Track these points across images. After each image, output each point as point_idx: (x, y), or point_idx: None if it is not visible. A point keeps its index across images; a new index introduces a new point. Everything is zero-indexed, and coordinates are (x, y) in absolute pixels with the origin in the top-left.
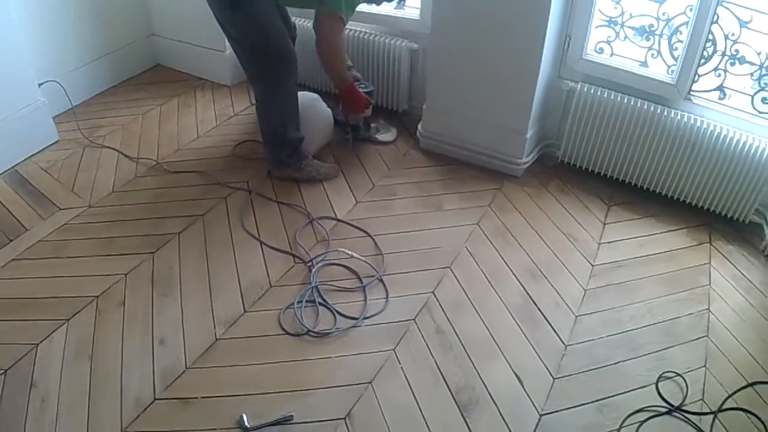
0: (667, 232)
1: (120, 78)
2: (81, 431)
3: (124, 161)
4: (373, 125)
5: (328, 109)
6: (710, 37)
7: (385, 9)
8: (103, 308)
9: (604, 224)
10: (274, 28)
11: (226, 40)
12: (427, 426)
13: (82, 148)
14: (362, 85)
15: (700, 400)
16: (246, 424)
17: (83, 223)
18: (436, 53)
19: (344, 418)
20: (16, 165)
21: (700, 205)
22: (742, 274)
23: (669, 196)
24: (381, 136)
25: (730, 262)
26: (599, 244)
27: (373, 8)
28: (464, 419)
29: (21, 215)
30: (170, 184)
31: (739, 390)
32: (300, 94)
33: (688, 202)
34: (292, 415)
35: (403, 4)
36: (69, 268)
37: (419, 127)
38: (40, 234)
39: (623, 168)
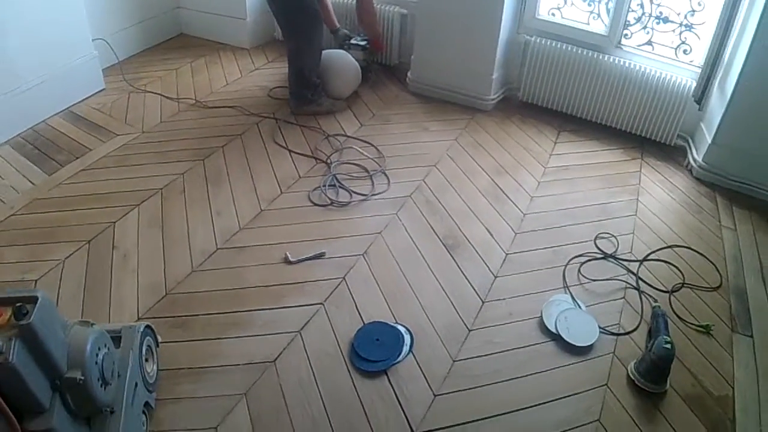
0: (606, 150)
1: (152, 43)
2: (159, 273)
3: (166, 102)
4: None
5: (356, 61)
6: (639, 1)
7: None
8: (167, 196)
9: (555, 142)
10: None
11: (247, 8)
12: (425, 259)
13: (128, 94)
14: (360, 38)
15: (629, 252)
16: (290, 258)
17: (140, 143)
18: (423, 16)
19: (362, 255)
20: (70, 106)
21: (634, 132)
22: (667, 179)
23: (608, 125)
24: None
25: (657, 172)
26: (551, 155)
27: None
28: (451, 255)
29: (83, 140)
30: (209, 116)
31: (660, 249)
32: (336, 51)
33: (624, 129)
34: (324, 252)
35: None
36: (133, 172)
37: (408, 74)
38: (103, 152)
39: (571, 103)
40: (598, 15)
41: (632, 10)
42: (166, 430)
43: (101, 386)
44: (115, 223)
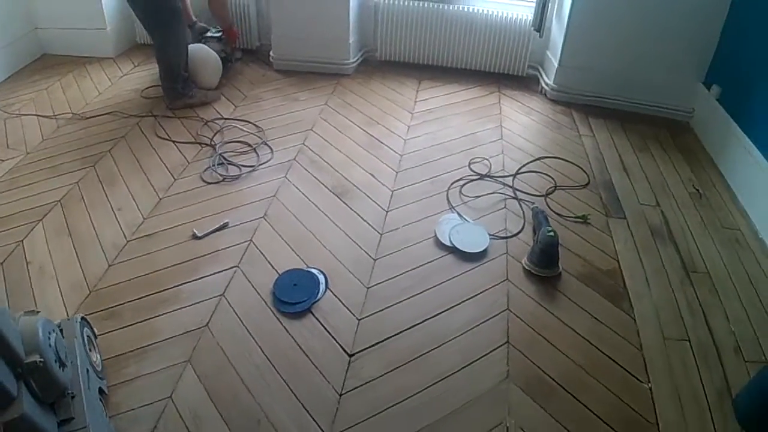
0: (465, 90)
1: (15, 68)
2: (77, 274)
3: (44, 120)
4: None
5: (214, 53)
6: None
7: None
8: (66, 205)
9: (417, 90)
10: None
11: (105, 18)
12: (320, 209)
13: (2, 121)
14: (214, 30)
15: (501, 170)
16: (197, 234)
17: (27, 163)
18: None
19: (263, 217)
20: None
21: (488, 70)
22: (525, 105)
23: (464, 68)
24: (237, 55)
25: (515, 100)
26: (415, 102)
27: None
28: (343, 201)
29: None
30: (90, 125)
31: (529, 162)
32: (195, 45)
33: (479, 69)
34: (227, 222)
35: None
36: (28, 191)
37: (271, 53)
38: None
39: (427, 54)
40: None
41: None
42: (125, 411)
43: (60, 367)
44: (22, 240)
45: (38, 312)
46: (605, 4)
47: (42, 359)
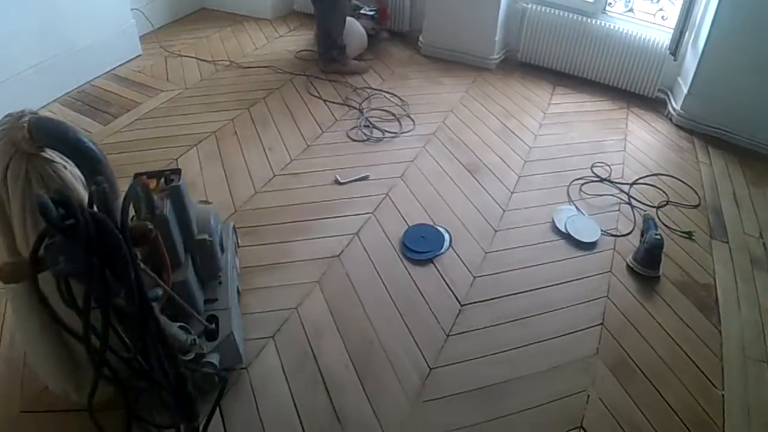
0: (596, 101)
1: (177, 16)
2: (225, 195)
3: (203, 63)
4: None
5: (362, 28)
6: None
7: None
8: (220, 137)
9: (552, 94)
10: None
11: None
12: (452, 179)
13: (164, 58)
14: (367, 9)
15: (620, 178)
16: (340, 180)
17: (186, 97)
18: None
19: (400, 177)
20: (112, 69)
21: (620, 86)
22: (650, 125)
23: (597, 80)
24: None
25: (642, 119)
26: (549, 104)
27: None
28: (473, 176)
29: (131, 96)
30: (246, 75)
31: (646, 176)
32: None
33: (611, 84)
34: (368, 175)
35: None
36: (185, 119)
37: (420, 38)
38: (152, 105)
39: (564, 62)
40: None
41: None
42: (253, 312)
43: (220, 251)
44: (176, 159)
45: (210, 203)
46: (742, 39)
47: (210, 239)
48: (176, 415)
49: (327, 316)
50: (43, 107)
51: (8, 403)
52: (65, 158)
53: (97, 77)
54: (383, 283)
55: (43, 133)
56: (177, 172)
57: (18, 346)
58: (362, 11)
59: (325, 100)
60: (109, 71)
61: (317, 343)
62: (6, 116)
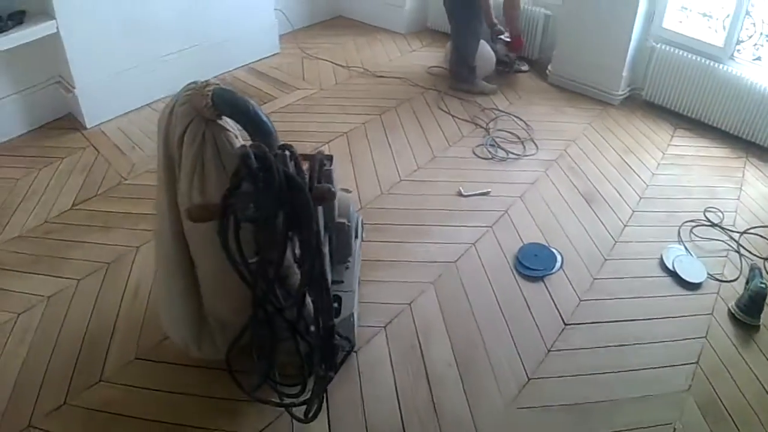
0: (715, 147)
1: (314, 21)
2: (353, 193)
3: (338, 68)
4: (518, 61)
5: (493, 52)
6: (752, 21)
7: None
8: (351, 138)
9: (672, 136)
10: None
11: None
12: (568, 205)
13: (301, 59)
14: (505, 35)
15: (732, 225)
16: (463, 192)
17: (320, 97)
18: (566, 19)
19: (519, 197)
20: (251, 63)
21: (740, 135)
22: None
23: (719, 127)
24: (522, 67)
25: (759, 170)
26: (668, 144)
27: None
28: (589, 205)
29: (268, 90)
30: (379, 83)
31: (759, 227)
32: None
33: (732, 132)
34: (489, 191)
35: None
36: (319, 118)
37: (549, 67)
38: (287, 101)
39: (687, 105)
40: (715, 30)
41: (745, 28)
42: (369, 301)
43: (354, 237)
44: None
45: (350, 191)
46: None
47: (349, 223)
48: (315, 365)
49: (437, 316)
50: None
51: (125, 349)
52: (237, 127)
53: (236, 68)
54: (494, 292)
55: (224, 103)
56: (329, 157)
57: (140, 298)
58: (501, 37)
59: (453, 116)
60: (248, 64)
61: (425, 339)
62: (191, 83)
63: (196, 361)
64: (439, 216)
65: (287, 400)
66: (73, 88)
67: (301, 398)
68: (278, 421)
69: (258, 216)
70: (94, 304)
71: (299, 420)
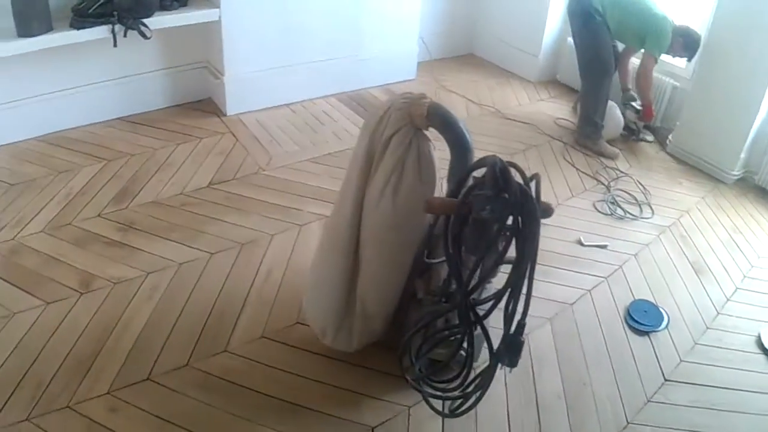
0: None
1: (447, 54)
2: None
3: (470, 104)
4: (644, 129)
5: (621, 116)
6: None
7: (677, 61)
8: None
9: None
10: (605, 46)
11: (542, 47)
12: (678, 272)
13: (435, 89)
14: (637, 103)
15: None
16: (583, 242)
17: None
18: (693, 93)
19: (633, 255)
20: (386, 84)
21: None
22: None
23: None
24: (647, 137)
25: None
26: None
27: (668, 58)
28: (696, 275)
29: None
30: (508, 125)
31: None
32: (610, 103)
33: None
34: (607, 245)
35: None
36: None
37: (669, 137)
38: None
39: None
40: None
41: None
42: (491, 326)
43: None
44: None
45: None
46: None
47: None
48: (500, 361)
49: (551, 350)
50: (319, 97)
51: (253, 326)
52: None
53: (373, 87)
54: (604, 338)
55: (437, 116)
56: (536, 176)
57: (272, 282)
58: (633, 103)
59: (577, 169)
60: (384, 85)
61: (538, 369)
62: (406, 94)
63: (322, 350)
64: (560, 259)
65: (442, 393)
66: (221, 75)
67: (458, 392)
68: (395, 419)
69: (490, 218)
70: (225, 280)
71: (443, 415)
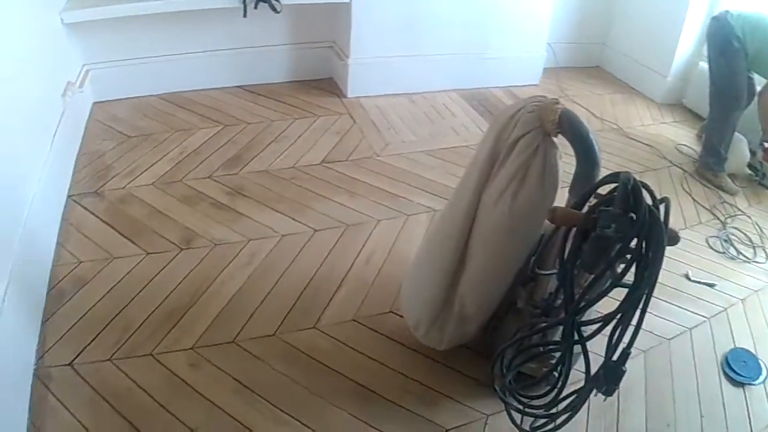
0: None
1: (574, 64)
2: None
3: (592, 117)
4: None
5: (748, 153)
6: None
7: None
8: None
9: None
10: (739, 77)
11: (672, 68)
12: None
13: (557, 97)
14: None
15: None
16: (690, 276)
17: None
18: None
19: (740, 300)
20: (509, 86)
21: None
22: None
23: None
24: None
25: None
26: None
27: None
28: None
29: None
30: (628, 144)
31: None
32: (737, 135)
33: None
34: (715, 284)
35: None
36: (570, 159)
37: None
38: None
39: None
40: None
41: None
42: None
43: None
44: None
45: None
46: None
47: None
48: (599, 386)
49: (640, 384)
50: (440, 91)
51: (345, 308)
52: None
53: (494, 87)
54: (697, 381)
55: (569, 123)
56: (666, 200)
57: (372, 267)
58: (766, 144)
59: (694, 200)
60: (507, 87)
61: (624, 401)
62: (539, 96)
63: (410, 343)
64: (664, 291)
65: (528, 408)
66: (346, 57)
67: (544, 410)
68: (471, 425)
69: (614, 236)
70: (325, 257)
71: (523, 430)
